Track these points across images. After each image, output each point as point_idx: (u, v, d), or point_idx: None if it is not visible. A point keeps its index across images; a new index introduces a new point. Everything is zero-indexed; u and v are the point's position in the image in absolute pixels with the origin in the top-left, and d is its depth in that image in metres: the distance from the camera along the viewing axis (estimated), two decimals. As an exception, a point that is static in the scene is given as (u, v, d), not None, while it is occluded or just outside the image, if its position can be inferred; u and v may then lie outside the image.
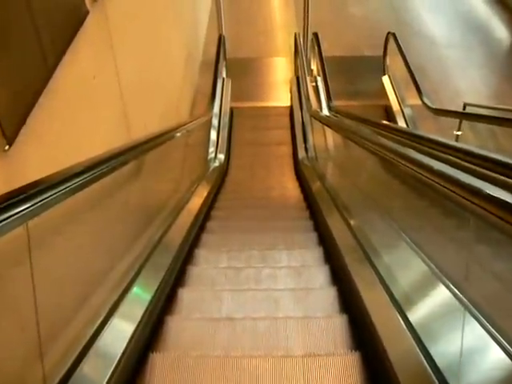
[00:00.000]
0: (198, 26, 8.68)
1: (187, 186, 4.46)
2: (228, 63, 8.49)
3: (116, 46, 3.31)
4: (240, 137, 6.83)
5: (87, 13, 2.70)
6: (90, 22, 2.81)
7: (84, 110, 2.77)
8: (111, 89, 3.28)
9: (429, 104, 5.89)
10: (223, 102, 7.11)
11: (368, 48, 9.39)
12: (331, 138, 5.49)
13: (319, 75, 7.45)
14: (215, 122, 6.63)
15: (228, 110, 7.11)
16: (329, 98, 5.64)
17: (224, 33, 8.50)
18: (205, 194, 4.42)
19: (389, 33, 7.55)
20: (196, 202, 4.09)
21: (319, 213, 3.63)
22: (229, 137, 6.68)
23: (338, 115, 5.24)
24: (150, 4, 4.61)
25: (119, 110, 3.45)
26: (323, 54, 6.74)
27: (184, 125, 4.35)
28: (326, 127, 5.54)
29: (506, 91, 8.14)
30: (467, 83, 8.51)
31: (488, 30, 10.35)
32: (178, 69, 6.30)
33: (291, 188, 5.17)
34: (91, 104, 2.87)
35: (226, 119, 6.87)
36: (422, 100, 6.02)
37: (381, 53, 8.47)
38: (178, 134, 4.04)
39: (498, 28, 10.48)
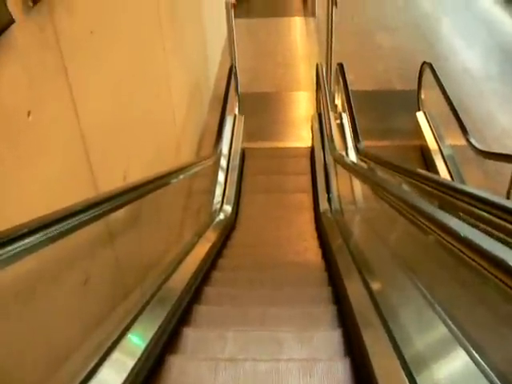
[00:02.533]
0: (210, 57, 7.97)
1: (179, 248, 3.65)
2: (241, 98, 7.76)
3: (74, 73, 2.54)
4: (252, 182, 6.02)
5: (11, 22, 1.93)
6: (21, 37, 2.04)
7: (10, 161, 1.99)
8: (63, 130, 2.50)
9: (476, 145, 5.05)
10: (233, 141, 6.34)
11: (399, 81, 8.65)
12: (360, 186, 4.71)
13: (344, 111, 6.66)
14: (223, 163, 5.86)
15: (239, 151, 6.32)
16: (356, 139, 4.81)
17: (237, 64, 7.79)
18: (200, 258, 3.59)
19: (424, 63, 6.76)
20: (186, 270, 3.27)
21: (344, 296, 2.77)
22: (238, 182, 5.87)
23: (368, 160, 4.43)
24: (133, 22, 3.87)
25: (77, 159, 2.66)
26: (349, 87, 5.94)
27: (176, 171, 3.57)
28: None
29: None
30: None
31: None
32: (180, 104, 5.55)
33: (311, 251, 4.30)
34: (24, 152, 2.08)
35: (235, 162, 6.08)
36: (467, 140, 5.20)
37: (413, 86, 7.73)
38: (168, 182, 3.27)
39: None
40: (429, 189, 2.38)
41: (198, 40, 7.16)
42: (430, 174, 3.06)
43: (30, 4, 2.06)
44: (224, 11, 7.44)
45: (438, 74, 6.49)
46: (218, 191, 5.41)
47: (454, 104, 5.86)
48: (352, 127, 5.19)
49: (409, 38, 10.62)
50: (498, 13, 12.23)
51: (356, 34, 10.62)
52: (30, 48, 2.14)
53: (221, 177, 5.66)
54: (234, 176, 5.82)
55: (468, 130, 5.34)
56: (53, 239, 1.74)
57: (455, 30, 11.45)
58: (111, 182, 3.02)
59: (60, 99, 2.45)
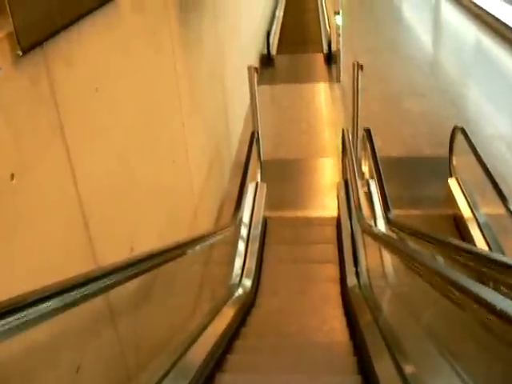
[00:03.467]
0: (231, 122, 7.84)
1: (192, 327, 3.34)
2: (264, 165, 7.55)
3: (72, 131, 2.33)
4: (274, 253, 5.71)
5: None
6: (6, 88, 1.84)
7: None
8: (57, 195, 2.26)
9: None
10: (255, 210, 6.08)
11: (428, 147, 8.39)
12: (391, 258, 4.38)
13: (372, 178, 6.40)
14: (244, 233, 5.59)
15: (261, 220, 6.05)
16: (386, 208, 4.51)
17: (260, 130, 7.63)
18: (214, 339, 3.26)
19: (456, 127, 6.50)
20: (198, 352, 2.94)
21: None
22: (260, 253, 5.56)
23: (400, 232, 4.11)
24: (147, 81, 3.70)
25: (73, 230, 2.41)
26: (377, 153, 5.70)
27: (189, 242, 3.30)
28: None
29: None
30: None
31: None
32: (198, 170, 5.34)
33: (337, 331, 3.93)
34: (3, 221, 1.84)
35: (257, 231, 5.80)
36: (507, 208, 4.86)
37: (443, 153, 7.45)
38: (180, 254, 3.01)
39: None
40: (469, 262, 2.25)
41: (219, 104, 7.04)
42: (468, 246, 2.78)
43: (19, 53, 1.85)
44: (247, 76, 7.35)
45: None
46: (238, 263, 5.11)
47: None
48: (381, 195, 4.90)
49: (437, 103, 10.45)
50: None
51: (383, 99, 10.48)
52: (18, 101, 1.93)
53: (241, 247, 5.37)
54: (254, 246, 5.52)
55: (508, 196, 5.01)
56: (42, 318, 1.53)
57: (484, 94, 11.29)
58: (115, 254, 2.75)
59: (54, 160, 2.23)
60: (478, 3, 18.57)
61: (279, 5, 18.79)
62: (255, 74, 7.22)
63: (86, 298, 1.81)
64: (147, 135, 3.66)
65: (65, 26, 2.25)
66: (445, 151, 7.30)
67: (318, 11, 18.36)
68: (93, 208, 2.57)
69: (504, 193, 5.05)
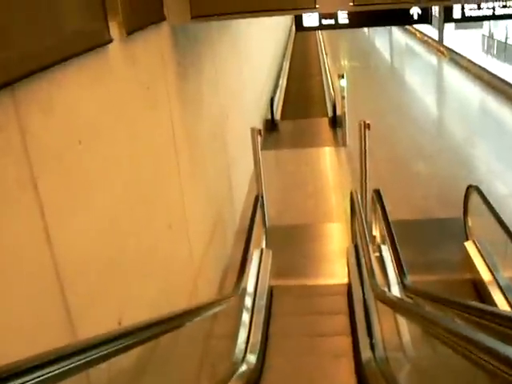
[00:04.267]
0: (235, 186, 7.62)
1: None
2: (269, 231, 7.28)
3: (47, 188, 2.08)
4: (281, 325, 5.34)
5: None
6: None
7: None
8: (28, 261, 1.99)
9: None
10: (260, 278, 5.76)
11: (440, 209, 8.13)
12: (408, 328, 4.05)
13: (384, 243, 6.10)
14: (248, 303, 5.25)
15: (266, 289, 5.71)
16: (401, 273, 4.20)
17: (264, 195, 7.40)
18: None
19: (470, 187, 6.25)
20: None
21: None
22: (265, 325, 5.20)
23: (417, 298, 3.80)
24: (141, 139, 3.48)
25: (48, 300, 2.12)
26: (388, 215, 5.42)
27: (185, 313, 3.00)
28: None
29: None
30: None
31: None
32: (198, 236, 5.06)
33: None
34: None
35: (262, 301, 5.45)
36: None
37: (456, 214, 7.20)
38: (174, 326, 2.71)
39: None
40: (494, 325, 2.07)
41: (221, 168, 6.85)
42: (494, 308, 2.53)
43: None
44: (250, 140, 7.18)
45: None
46: (241, 337, 4.74)
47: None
48: (396, 261, 4.60)
49: (446, 164, 10.30)
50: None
51: (390, 161, 10.32)
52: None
53: (245, 319, 5.02)
54: (260, 318, 5.16)
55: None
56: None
57: (493, 153, 11.15)
58: (100, 328, 2.45)
59: (24, 220, 1.96)
60: (477, 63, 18.84)
61: (283, 71, 19.04)
62: (259, 137, 7.06)
63: (59, 376, 1.52)
64: (140, 197, 3.41)
65: (42, 68, 2.04)
66: (457, 212, 7.07)
67: (322, 76, 18.57)
68: (73, 276, 2.29)
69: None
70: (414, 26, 30.93)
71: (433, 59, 23.40)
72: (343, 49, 26.33)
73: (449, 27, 23.36)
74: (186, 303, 4.31)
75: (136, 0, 3.42)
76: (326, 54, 20.91)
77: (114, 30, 2.96)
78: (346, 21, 8.31)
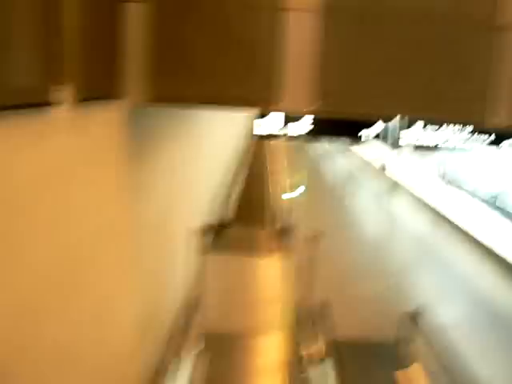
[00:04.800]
0: (173, 285, 7.27)
1: None
2: (205, 339, 6.88)
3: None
4: None
5: None
6: None
7: None
8: None
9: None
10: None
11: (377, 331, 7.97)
12: None
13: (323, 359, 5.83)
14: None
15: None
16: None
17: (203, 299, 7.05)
18: None
19: (405, 314, 6.11)
20: None
21: None
22: None
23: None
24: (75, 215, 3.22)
25: None
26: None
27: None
28: None
29: None
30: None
31: None
32: (124, 333, 4.67)
33: None
34: None
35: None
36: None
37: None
38: None
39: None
40: None
41: (162, 261, 6.52)
42: None
43: None
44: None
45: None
46: None
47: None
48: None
49: (384, 288, 10.27)
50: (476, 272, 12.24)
51: (329, 282, 10.21)
52: None
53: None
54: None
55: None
56: None
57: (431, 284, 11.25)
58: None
59: None
60: (420, 195, 19.49)
61: (237, 179, 19.17)
62: (200, 238, 6.84)
63: None
64: (65, 277, 3.11)
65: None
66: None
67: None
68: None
69: None
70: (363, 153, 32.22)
71: (379, 186, 24.10)
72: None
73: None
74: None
75: (94, 69, 3.29)
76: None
77: (65, 94, 2.79)
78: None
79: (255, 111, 23.13)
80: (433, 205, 17.81)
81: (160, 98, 4.00)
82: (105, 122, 3.83)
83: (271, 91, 4.15)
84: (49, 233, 2.79)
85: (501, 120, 4.37)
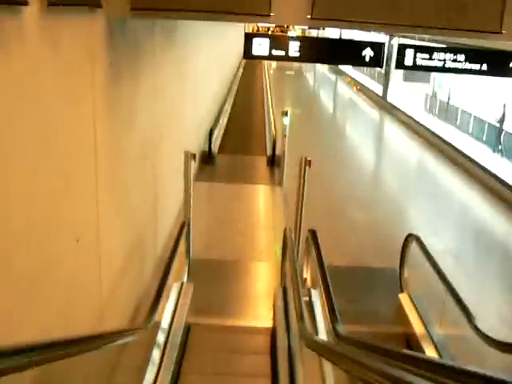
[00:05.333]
0: (161, 213, 7.12)
1: None
2: (193, 264, 6.79)
3: None
4: (196, 367, 4.83)
5: None
6: None
7: None
8: None
9: (487, 334, 4.15)
10: (176, 314, 5.25)
11: (375, 258, 7.89)
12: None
13: (315, 287, 5.73)
14: (160, 339, 4.72)
15: (183, 326, 5.20)
16: (334, 320, 3.82)
17: (192, 225, 6.92)
18: None
19: (410, 235, 5.99)
20: None
21: None
22: (177, 366, 4.68)
23: (351, 347, 3.42)
24: (48, 136, 2.99)
25: None
26: (323, 258, 5.05)
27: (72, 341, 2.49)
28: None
29: None
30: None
31: None
32: (110, 257, 4.53)
33: None
34: None
35: (177, 339, 4.93)
36: (475, 327, 4.28)
37: (391, 265, 6.97)
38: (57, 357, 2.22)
39: None
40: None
41: (148, 190, 6.35)
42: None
43: None
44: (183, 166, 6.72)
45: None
46: (148, 378, 4.21)
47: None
48: (328, 306, 4.20)
49: (383, 213, 10.18)
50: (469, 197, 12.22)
51: (327, 205, 10.14)
52: None
53: (154, 358, 4.48)
54: (171, 357, 4.64)
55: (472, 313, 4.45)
56: None
57: (429, 208, 11.20)
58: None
59: None
60: (417, 119, 19.27)
61: (226, 105, 18.85)
62: (192, 161, 6.61)
63: None
64: (43, 201, 2.91)
65: None
66: (392, 263, 6.84)
67: (265, 114, 18.47)
68: None
69: (468, 309, 4.48)
70: (360, 81, 31.73)
71: (375, 114, 23.82)
72: (288, 97, 26.39)
73: (397, 78, 23.88)
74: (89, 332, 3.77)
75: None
76: (271, 95, 20.86)
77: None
78: (297, 54, 8.09)
79: (243, 27, 22.49)
80: (427, 135, 17.65)
81: (141, 6, 3.70)
82: (82, 35, 3.53)
83: (260, 3, 3.88)
84: (22, 154, 2.57)
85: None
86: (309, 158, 6.60)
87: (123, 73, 4.72)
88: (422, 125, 18.56)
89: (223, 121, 16.73)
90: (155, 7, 3.75)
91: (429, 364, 2.40)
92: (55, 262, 3.14)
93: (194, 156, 6.63)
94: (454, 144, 15.41)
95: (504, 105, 14.65)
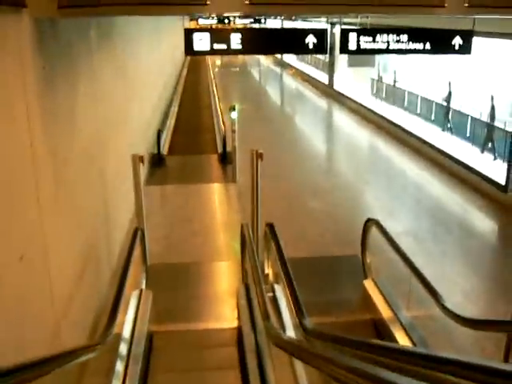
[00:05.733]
0: (114, 221, 6.90)
1: None
2: (151, 269, 6.60)
3: None
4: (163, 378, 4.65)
5: None
6: None
7: None
8: None
9: (455, 312, 4.12)
10: (137, 322, 5.06)
11: (336, 246, 7.84)
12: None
13: (278, 282, 5.62)
14: (123, 350, 4.54)
15: (145, 335, 5.01)
16: (300, 314, 3.71)
17: (146, 229, 6.73)
18: None
19: (369, 220, 5.93)
20: None
21: None
22: (142, 377, 4.49)
23: (318, 341, 3.32)
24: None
25: None
26: (283, 251, 4.94)
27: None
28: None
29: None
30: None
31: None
32: (61, 272, 4.32)
33: None
34: None
35: (139, 348, 4.74)
36: (442, 306, 4.25)
37: (352, 252, 6.94)
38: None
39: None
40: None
41: (97, 197, 6.12)
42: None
43: None
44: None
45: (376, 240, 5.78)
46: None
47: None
48: (293, 300, 4.09)
49: (340, 200, 10.15)
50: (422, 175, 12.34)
51: (283, 198, 10.03)
52: None
53: (118, 369, 4.29)
54: (135, 369, 4.44)
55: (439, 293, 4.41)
56: None
57: (384, 191, 11.26)
58: None
59: None
60: (364, 104, 19.42)
61: (173, 103, 18.62)
62: (140, 164, 6.42)
63: None
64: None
65: None
66: (353, 251, 6.81)
67: (212, 110, 18.30)
68: None
69: (435, 288, 4.43)
70: (306, 71, 31.81)
71: (323, 103, 23.87)
72: (235, 93, 26.21)
73: (342, 65, 23.98)
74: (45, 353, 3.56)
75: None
76: (217, 92, 20.69)
77: None
78: (239, 46, 7.95)
79: (182, 21, 22.19)
80: (375, 119, 17.78)
81: (69, 4, 3.49)
82: (7, 38, 3.32)
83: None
84: None
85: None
86: (260, 151, 6.49)
87: (58, 76, 4.50)
88: (370, 110, 18.67)
89: (171, 122, 16.50)
90: (83, 3, 3.55)
91: (398, 353, 2.34)
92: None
93: (141, 158, 6.43)
94: (403, 126, 15.53)
95: (449, 83, 14.79)
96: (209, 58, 37.51)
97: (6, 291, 3.08)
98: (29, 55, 3.72)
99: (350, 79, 23.54)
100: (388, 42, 8.19)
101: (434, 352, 2.25)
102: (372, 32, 8.09)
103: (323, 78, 26.60)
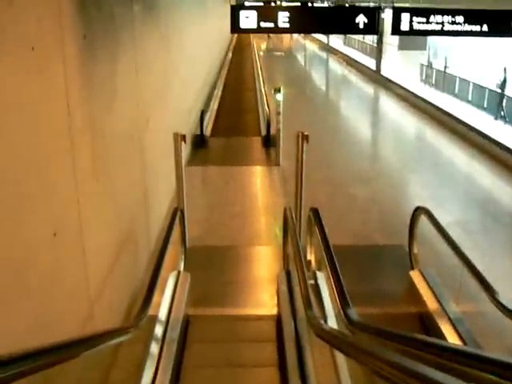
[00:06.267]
0: (153, 201, 6.78)
1: None
2: (189, 252, 6.47)
3: None
4: (197, 363, 4.52)
5: None
6: None
7: None
8: None
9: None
10: (174, 306, 4.93)
11: (381, 235, 7.59)
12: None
13: (320, 269, 5.41)
14: (158, 333, 4.41)
15: (181, 319, 4.88)
16: (345, 304, 3.50)
17: (186, 210, 6.60)
18: None
19: (418, 208, 5.66)
20: None
21: None
22: (177, 362, 4.36)
23: (363, 334, 3.12)
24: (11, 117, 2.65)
25: None
26: (328, 238, 4.72)
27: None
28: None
29: None
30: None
31: None
32: (97, 252, 4.20)
33: None
34: None
35: (175, 332, 4.61)
36: (494, 299, 3.99)
37: (397, 241, 6.68)
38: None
39: None
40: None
41: (136, 176, 5.99)
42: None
43: None
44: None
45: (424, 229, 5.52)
46: (146, 377, 3.89)
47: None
48: (337, 289, 3.87)
49: (384, 188, 9.86)
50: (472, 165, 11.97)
51: (325, 184, 9.79)
52: None
53: (152, 355, 4.17)
54: (170, 353, 4.32)
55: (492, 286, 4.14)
56: None
57: (432, 180, 10.90)
58: None
59: None
60: (413, 91, 18.90)
61: (218, 84, 18.50)
62: (182, 143, 6.27)
63: None
64: (10, 191, 2.57)
65: None
66: (398, 239, 6.56)
67: (257, 93, 18.12)
68: None
69: (489, 283, 4.16)
70: (352, 56, 31.29)
71: (370, 89, 23.42)
72: (279, 77, 25.93)
73: (390, 51, 23.47)
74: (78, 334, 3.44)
75: None
76: (262, 75, 20.49)
77: None
78: (287, 25, 7.72)
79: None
80: (424, 106, 17.28)
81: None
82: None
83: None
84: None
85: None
86: (306, 133, 6.27)
87: (98, 47, 4.35)
88: (418, 96, 18.18)
89: (214, 104, 16.38)
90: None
91: (452, 352, 2.11)
92: (28, 259, 2.81)
93: (183, 137, 6.28)
94: (453, 114, 15.05)
95: (504, 69, 14.23)
96: (254, 43, 37.33)
97: (41, 268, 2.96)
98: (69, 19, 3.56)
99: (398, 65, 23.00)
100: (443, 23, 7.82)
101: (487, 353, 2.01)
102: (426, 12, 7.74)
103: (370, 63, 26.10)
